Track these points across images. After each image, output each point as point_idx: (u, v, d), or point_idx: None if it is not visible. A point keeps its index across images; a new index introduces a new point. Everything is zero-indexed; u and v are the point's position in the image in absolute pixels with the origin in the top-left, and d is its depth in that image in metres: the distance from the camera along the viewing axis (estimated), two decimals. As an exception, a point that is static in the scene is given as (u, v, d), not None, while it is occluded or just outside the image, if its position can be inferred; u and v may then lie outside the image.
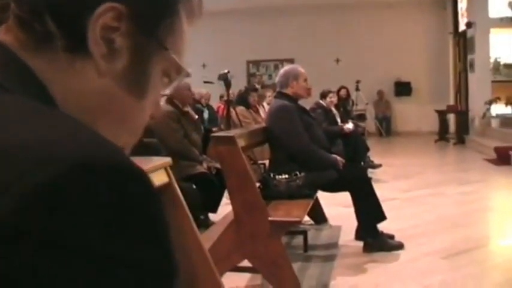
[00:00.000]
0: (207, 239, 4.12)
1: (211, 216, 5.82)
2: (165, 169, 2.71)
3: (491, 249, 5.19)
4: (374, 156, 9.85)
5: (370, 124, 17.34)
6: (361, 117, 15.59)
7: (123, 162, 0.54)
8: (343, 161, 4.98)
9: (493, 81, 14.28)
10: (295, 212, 4.15)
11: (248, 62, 19.30)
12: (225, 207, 4.55)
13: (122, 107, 0.69)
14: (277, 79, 5.24)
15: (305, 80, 5.12)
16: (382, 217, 4.89)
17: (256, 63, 19.31)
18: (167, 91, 0.77)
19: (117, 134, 0.67)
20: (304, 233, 5.12)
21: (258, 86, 10.84)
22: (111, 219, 0.50)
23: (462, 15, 15.90)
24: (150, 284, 0.52)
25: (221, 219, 4.49)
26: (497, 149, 10.89)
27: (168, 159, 2.79)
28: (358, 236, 4.96)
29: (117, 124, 0.70)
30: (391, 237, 5.09)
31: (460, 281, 4.16)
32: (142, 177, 0.54)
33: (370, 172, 8.63)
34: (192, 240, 2.72)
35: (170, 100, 5.60)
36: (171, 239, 0.56)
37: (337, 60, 18.65)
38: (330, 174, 4.81)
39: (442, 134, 15.42)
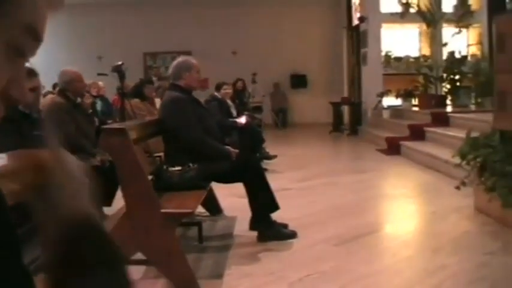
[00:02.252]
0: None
1: (105, 209, 5.71)
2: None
3: (382, 234, 5.37)
4: (270, 147, 9.95)
5: (267, 116, 17.55)
6: (258, 109, 15.73)
7: None
8: (237, 151, 5.01)
9: (384, 74, 14.78)
10: (188, 204, 4.15)
11: (145, 54, 19.09)
12: (120, 200, 4.49)
13: None
14: (169, 71, 5.21)
15: (198, 72, 5.12)
16: (275, 207, 4.95)
17: (153, 55, 19.14)
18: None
19: None
20: (199, 224, 5.11)
21: (154, 78, 10.77)
22: None
23: (355, 10, 16.34)
24: None
25: (114, 213, 4.43)
26: (388, 139, 11.28)
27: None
28: (252, 226, 4.99)
29: None
30: (285, 226, 5.16)
31: (352, 266, 4.27)
32: None
33: (266, 163, 8.74)
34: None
35: (62, 92, 5.48)
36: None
37: (234, 53, 18.74)
38: (222, 165, 4.83)
39: (337, 125, 15.81)
